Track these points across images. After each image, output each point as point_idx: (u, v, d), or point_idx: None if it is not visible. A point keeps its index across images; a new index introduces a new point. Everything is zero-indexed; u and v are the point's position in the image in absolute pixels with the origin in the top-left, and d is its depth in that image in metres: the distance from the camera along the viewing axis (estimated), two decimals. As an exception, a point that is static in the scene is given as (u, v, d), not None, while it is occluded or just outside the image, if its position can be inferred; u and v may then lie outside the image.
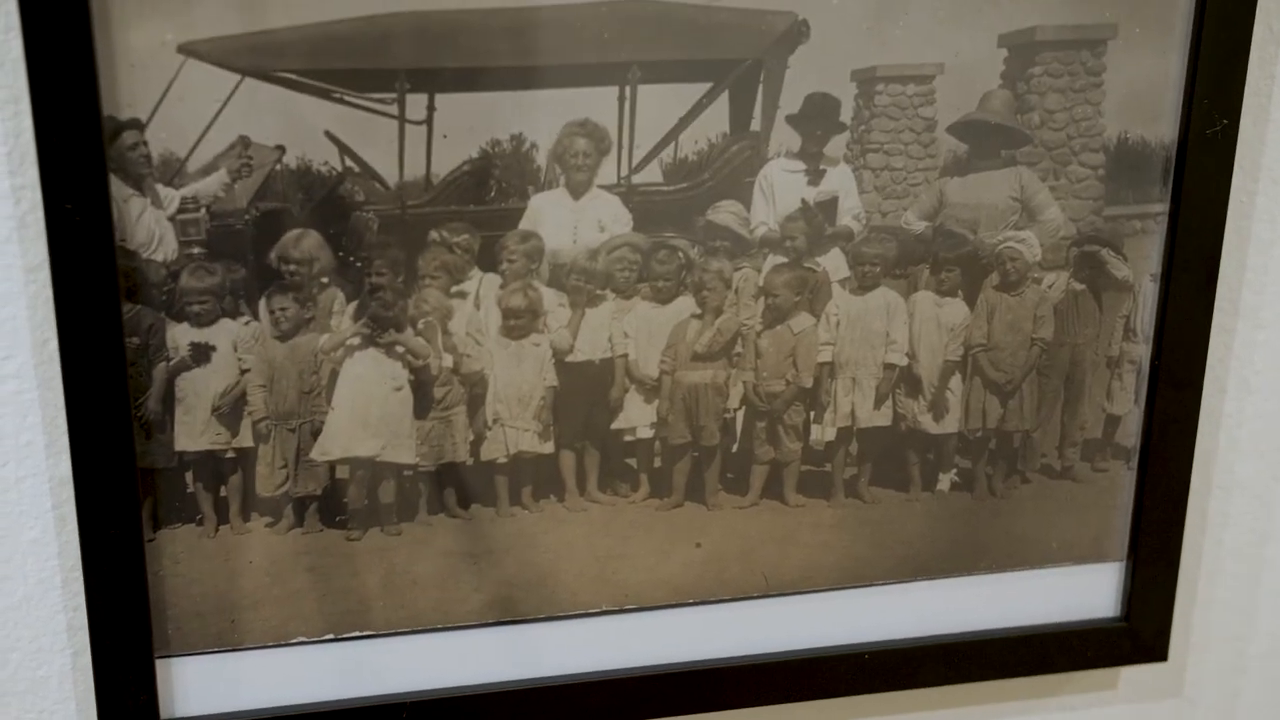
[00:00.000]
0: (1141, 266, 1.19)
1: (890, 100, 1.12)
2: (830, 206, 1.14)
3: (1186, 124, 1.14)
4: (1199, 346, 1.21)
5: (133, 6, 1.00)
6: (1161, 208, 1.17)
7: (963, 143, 1.14)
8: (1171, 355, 1.20)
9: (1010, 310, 1.19)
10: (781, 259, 1.14)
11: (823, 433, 1.19)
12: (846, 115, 1.11)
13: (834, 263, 1.15)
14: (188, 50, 1.01)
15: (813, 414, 1.19)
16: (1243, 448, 1.31)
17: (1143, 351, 1.21)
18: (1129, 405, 1.23)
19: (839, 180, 1.13)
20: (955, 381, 1.20)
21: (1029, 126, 1.14)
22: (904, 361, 1.19)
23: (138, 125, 1.03)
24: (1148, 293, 1.20)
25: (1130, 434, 1.24)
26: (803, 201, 1.13)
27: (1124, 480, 1.25)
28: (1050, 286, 1.19)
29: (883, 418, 1.20)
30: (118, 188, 1.03)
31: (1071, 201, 1.17)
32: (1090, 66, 1.13)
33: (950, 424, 1.21)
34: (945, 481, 1.23)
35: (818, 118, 1.11)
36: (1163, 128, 1.15)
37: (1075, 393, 1.22)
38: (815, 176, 1.13)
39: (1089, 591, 1.27)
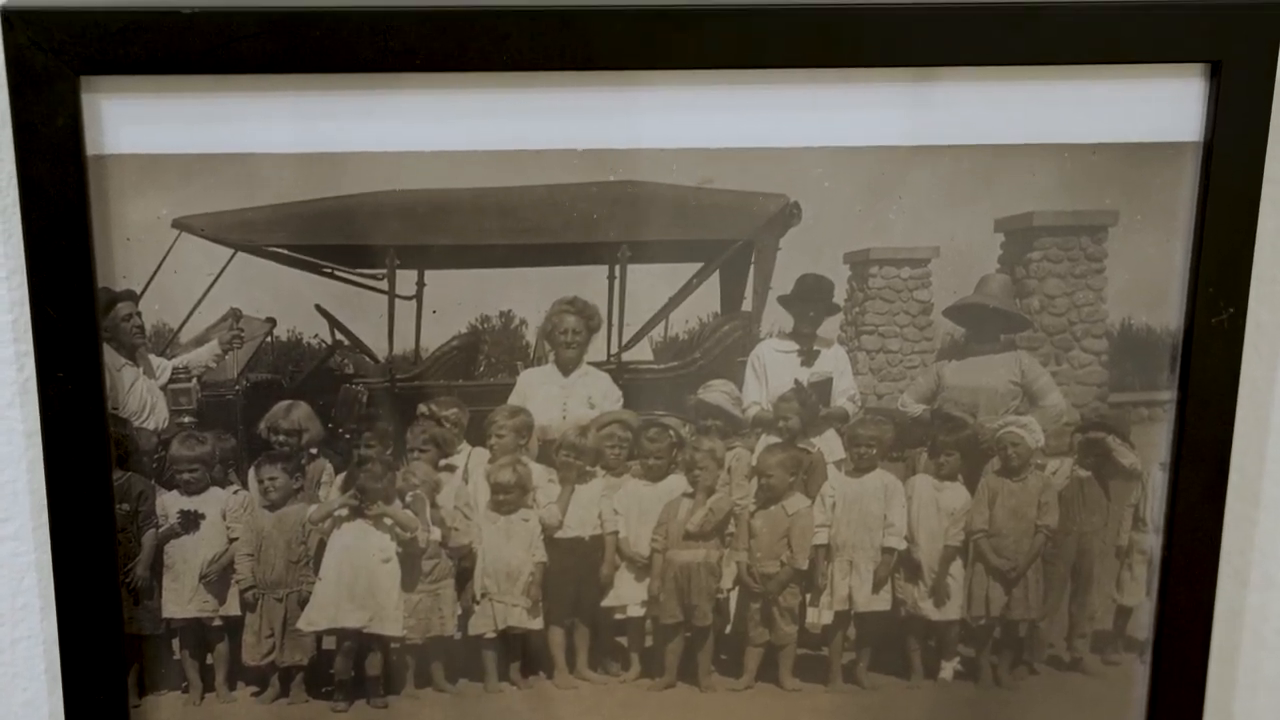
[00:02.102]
0: (1150, 455, 1.16)
1: (885, 282, 1.11)
2: (824, 387, 1.13)
3: (1192, 311, 1.12)
4: (1211, 538, 1.17)
5: (130, 182, 1.03)
6: (1169, 395, 1.15)
7: (960, 326, 1.12)
8: (1183, 547, 1.17)
9: (1013, 496, 1.16)
10: (775, 439, 1.13)
11: (819, 616, 1.17)
12: (840, 297, 1.11)
13: (829, 444, 1.14)
14: (182, 225, 1.04)
15: (808, 596, 1.17)
16: (1269, 644, 1.26)
17: (1153, 542, 1.18)
18: (1140, 597, 1.19)
19: (833, 361, 1.12)
20: (956, 567, 1.17)
21: (1028, 311, 1.13)
22: (903, 545, 1.16)
23: (132, 297, 1.05)
24: (1157, 482, 1.17)
25: (1143, 626, 1.20)
26: (796, 382, 1.12)
27: (1137, 674, 1.21)
28: (1054, 473, 1.16)
29: (881, 602, 1.17)
30: (111, 357, 1.06)
31: (1074, 387, 1.14)
32: (1091, 252, 1.12)
33: (952, 610, 1.18)
34: (948, 670, 1.19)
35: (810, 299, 1.11)
36: (1168, 314, 1.13)
37: (1083, 582, 1.19)
38: (809, 357, 1.12)
39: (1102, 790, 1.23)
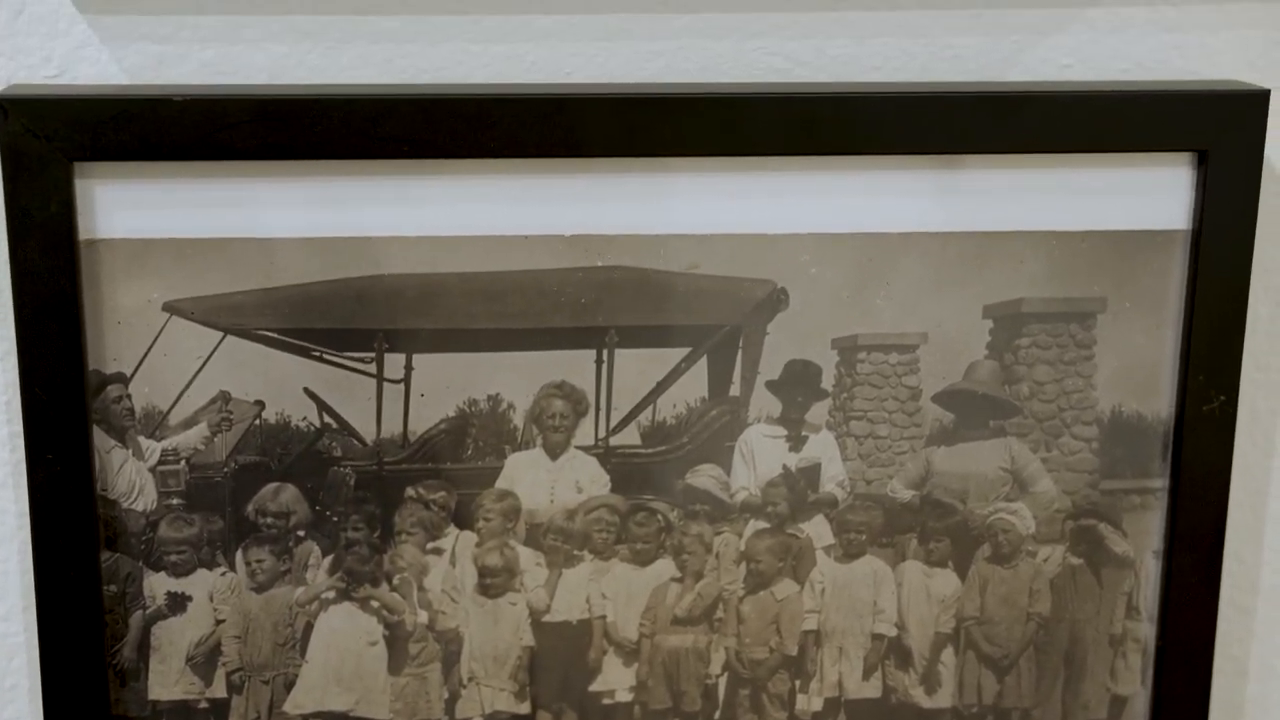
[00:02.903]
0: (1143, 543, 1.15)
1: (873, 368, 1.11)
2: (813, 473, 1.13)
3: (1182, 399, 1.11)
4: (1206, 627, 1.16)
5: (121, 266, 1.04)
6: (1161, 483, 1.14)
7: (949, 412, 1.12)
8: (1177, 636, 1.15)
9: (1004, 583, 1.15)
10: (763, 524, 1.13)
11: (809, 702, 1.16)
12: (828, 382, 1.11)
13: (818, 529, 1.14)
14: (172, 308, 1.05)
15: (798, 683, 1.16)
16: (1268, 734, 1.25)
17: (1147, 631, 1.17)
18: (1135, 686, 1.18)
19: (821, 447, 1.12)
20: (948, 654, 1.16)
21: (1018, 397, 1.12)
22: (893, 632, 1.16)
23: (122, 379, 1.06)
24: (1150, 570, 1.16)
25: (1138, 716, 1.18)
26: (784, 467, 1.12)
27: (1133, 765, 1.19)
28: (1046, 560, 1.15)
29: (872, 689, 1.16)
30: (101, 439, 1.06)
31: (1065, 474, 1.14)
32: (1080, 339, 1.12)
33: (944, 698, 1.17)
34: (941, 759, 1.18)
35: (798, 384, 1.11)
36: (1159, 402, 1.13)
37: (1076, 671, 1.17)
38: (797, 442, 1.12)
39: None
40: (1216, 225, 1.08)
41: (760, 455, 1.12)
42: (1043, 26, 1.10)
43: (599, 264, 1.07)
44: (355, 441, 1.09)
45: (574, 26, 1.07)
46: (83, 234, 1.03)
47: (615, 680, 1.15)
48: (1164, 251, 1.10)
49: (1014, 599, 1.16)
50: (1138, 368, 1.12)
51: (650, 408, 1.10)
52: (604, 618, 1.14)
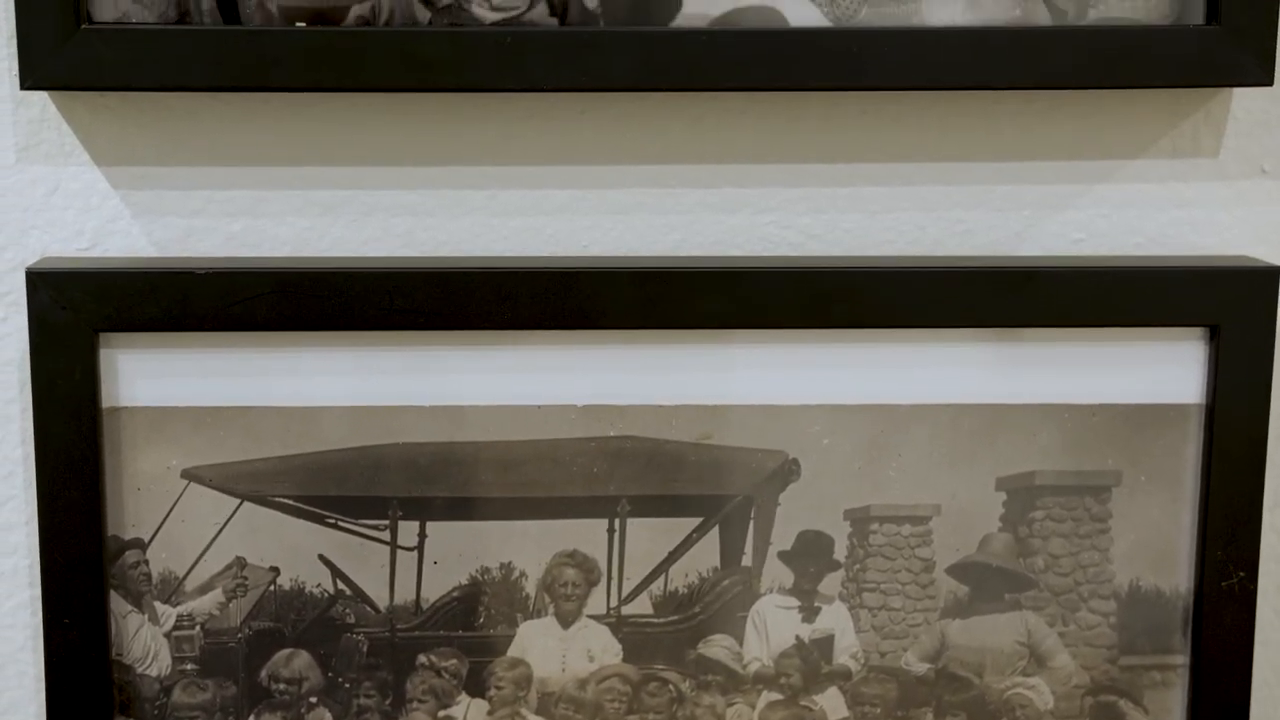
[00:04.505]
0: (1165, 720, 1.14)
1: (886, 540, 1.11)
2: (826, 644, 1.12)
3: (1201, 575, 1.10)
4: (1232, 809, 1.13)
5: (142, 434, 1.06)
6: (1183, 659, 1.12)
7: (963, 584, 1.12)
8: (1202, 817, 1.13)
9: (1023, 760, 1.14)
10: (776, 696, 1.12)
11: None
12: (840, 553, 1.11)
13: (832, 702, 1.13)
14: (190, 475, 1.07)
15: None
16: None
17: (1172, 811, 1.15)
18: None
19: (834, 618, 1.12)
20: (966, 833, 1.14)
21: (1033, 570, 1.12)
22: (910, 809, 1.14)
23: (140, 545, 1.08)
24: (1173, 748, 1.14)
25: None
26: (797, 638, 1.12)
27: None
28: (1065, 736, 1.14)
29: None
30: (117, 604, 1.08)
31: (1083, 649, 1.12)
32: (1095, 513, 1.11)
33: None
34: None
35: (810, 555, 1.11)
36: (1177, 577, 1.12)
37: None
38: (810, 614, 1.12)
39: None
40: (1230, 399, 1.08)
41: (773, 626, 1.12)
42: (1054, 201, 1.11)
43: (611, 434, 1.08)
44: (368, 608, 1.10)
45: (590, 201, 1.09)
46: (105, 402, 1.05)
47: None
48: (1177, 425, 1.10)
49: (1033, 776, 1.14)
50: (1155, 542, 1.11)
51: (662, 577, 1.11)
52: (616, 789, 1.13)
